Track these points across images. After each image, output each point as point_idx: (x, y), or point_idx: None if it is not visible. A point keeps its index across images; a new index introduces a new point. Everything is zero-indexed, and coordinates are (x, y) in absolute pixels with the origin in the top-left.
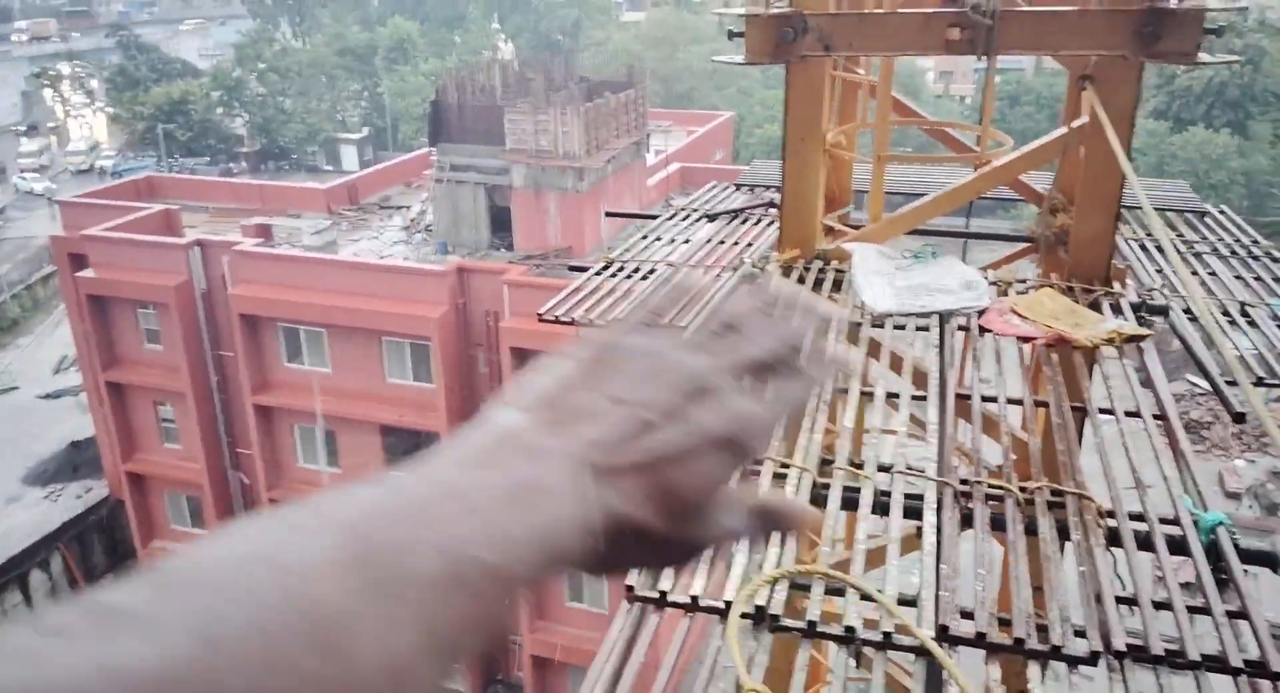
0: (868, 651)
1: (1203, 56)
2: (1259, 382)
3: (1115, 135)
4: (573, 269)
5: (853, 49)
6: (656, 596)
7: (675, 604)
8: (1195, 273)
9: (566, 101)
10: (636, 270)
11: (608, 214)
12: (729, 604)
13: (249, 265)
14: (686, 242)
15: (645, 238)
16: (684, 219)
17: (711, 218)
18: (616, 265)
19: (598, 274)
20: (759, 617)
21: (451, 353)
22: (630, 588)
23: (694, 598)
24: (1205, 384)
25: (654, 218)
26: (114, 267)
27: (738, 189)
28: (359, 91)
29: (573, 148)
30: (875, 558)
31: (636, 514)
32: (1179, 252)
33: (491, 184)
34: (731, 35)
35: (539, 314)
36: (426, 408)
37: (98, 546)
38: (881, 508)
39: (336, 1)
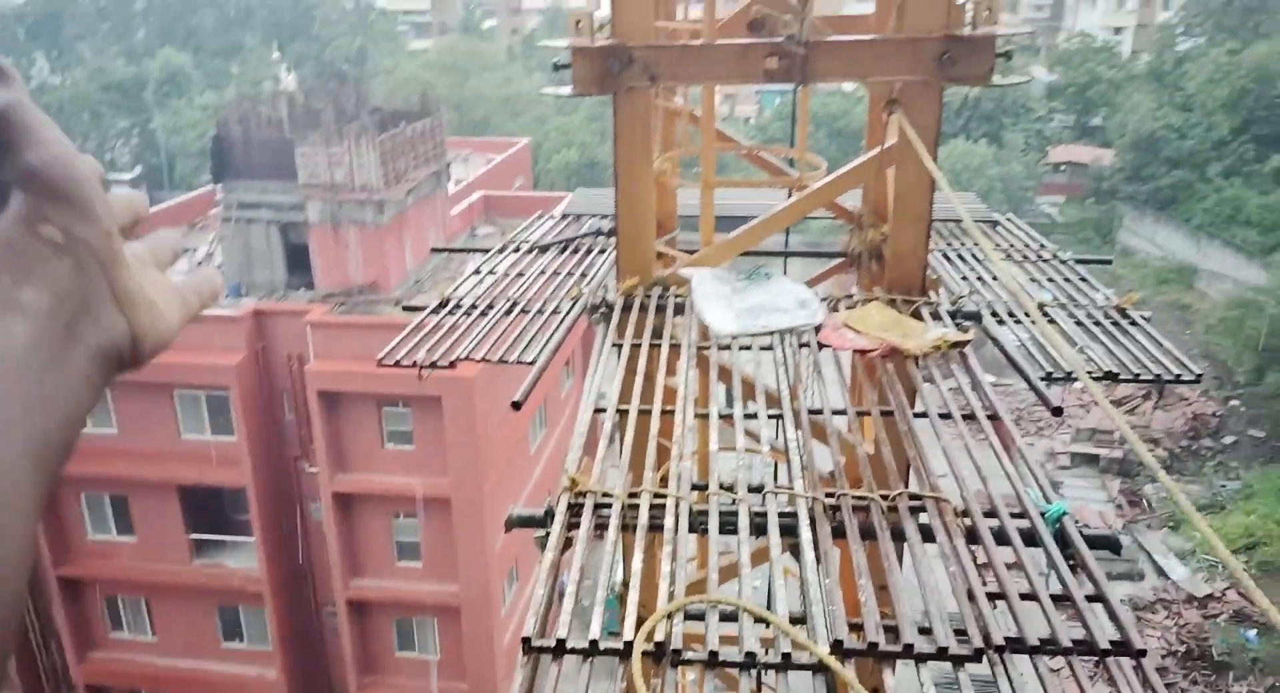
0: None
1: (996, 78)
2: (1047, 377)
3: (925, 153)
4: (407, 309)
5: (677, 79)
6: (554, 644)
7: (575, 651)
8: (995, 278)
9: (360, 132)
10: (475, 307)
11: (434, 249)
12: (629, 644)
13: None
14: (521, 275)
15: (478, 273)
16: (514, 251)
17: (543, 249)
18: (453, 303)
19: (434, 312)
20: (660, 653)
21: (253, 402)
22: (526, 640)
23: (593, 643)
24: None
25: (484, 251)
26: None
27: (563, 218)
28: (128, 128)
29: (370, 180)
30: (728, 576)
31: None
32: (1018, 261)
33: (285, 221)
34: (557, 67)
35: (378, 360)
36: (228, 463)
37: None
38: (758, 528)
39: (98, 34)
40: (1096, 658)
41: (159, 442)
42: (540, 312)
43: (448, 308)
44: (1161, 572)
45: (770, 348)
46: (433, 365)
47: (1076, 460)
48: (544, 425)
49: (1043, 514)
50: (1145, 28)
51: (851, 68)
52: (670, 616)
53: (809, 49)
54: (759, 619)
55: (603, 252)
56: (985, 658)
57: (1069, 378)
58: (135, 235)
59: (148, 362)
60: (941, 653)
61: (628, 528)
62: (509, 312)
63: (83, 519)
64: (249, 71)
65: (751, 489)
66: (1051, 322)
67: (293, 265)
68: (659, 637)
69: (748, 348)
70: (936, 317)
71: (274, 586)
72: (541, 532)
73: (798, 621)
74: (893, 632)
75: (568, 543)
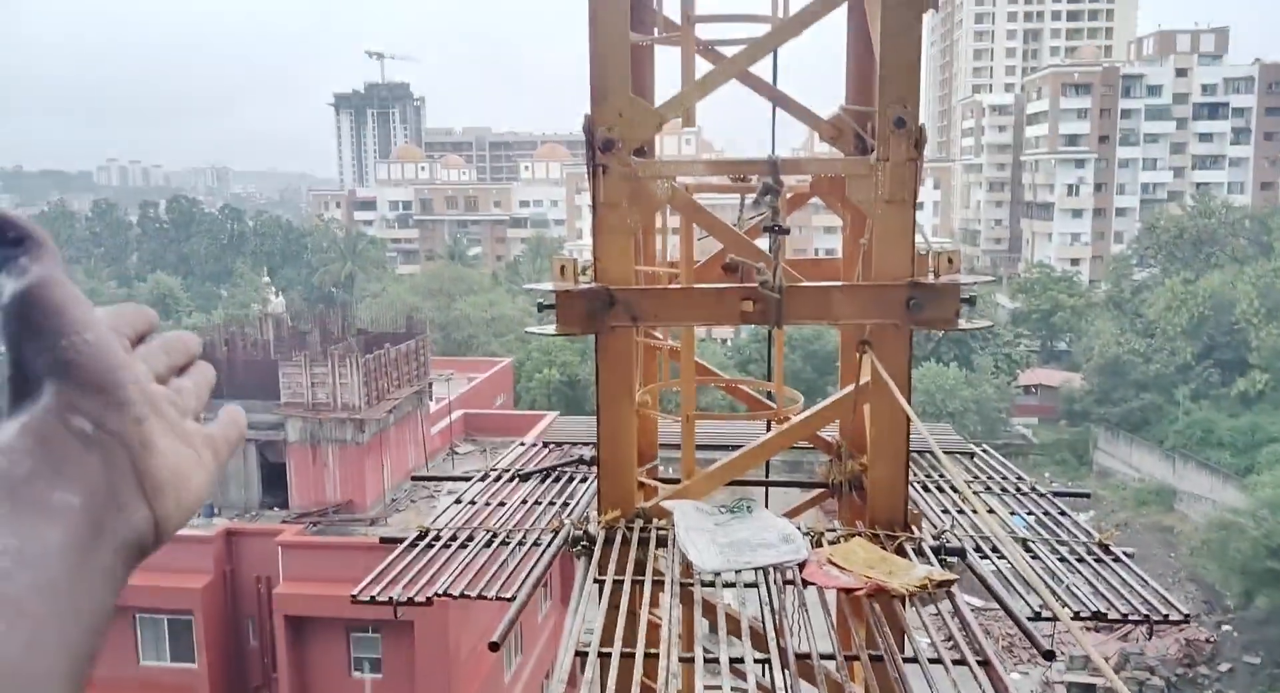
0: None
1: (961, 322)
2: (1036, 616)
3: (899, 393)
4: (385, 541)
5: (658, 320)
6: None
7: None
8: (975, 510)
9: (345, 353)
10: (454, 539)
11: (414, 478)
12: None
13: None
14: (502, 504)
15: (458, 501)
16: (495, 479)
17: (524, 478)
18: (432, 534)
19: (412, 545)
20: None
21: (217, 626)
22: None
23: None
24: (977, 602)
25: (465, 480)
26: None
27: (544, 446)
28: None
29: (352, 399)
30: None
31: None
32: (996, 493)
33: (264, 440)
34: (541, 308)
35: (352, 597)
36: None
37: None
38: None
39: (91, 258)
40: None
41: (115, 669)
42: (521, 543)
43: (426, 540)
44: None
45: (755, 585)
46: (409, 602)
47: (1073, 691)
48: (519, 653)
49: None
50: (1100, 259)
51: (823, 311)
52: None
53: (782, 294)
54: None
55: (584, 480)
56: None
57: (1056, 618)
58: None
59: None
60: None
61: None
62: (488, 543)
63: None
64: (238, 295)
65: None
66: (1035, 557)
67: (268, 485)
68: None
69: (732, 585)
70: (920, 553)
71: None
72: None
73: None
74: None
75: None
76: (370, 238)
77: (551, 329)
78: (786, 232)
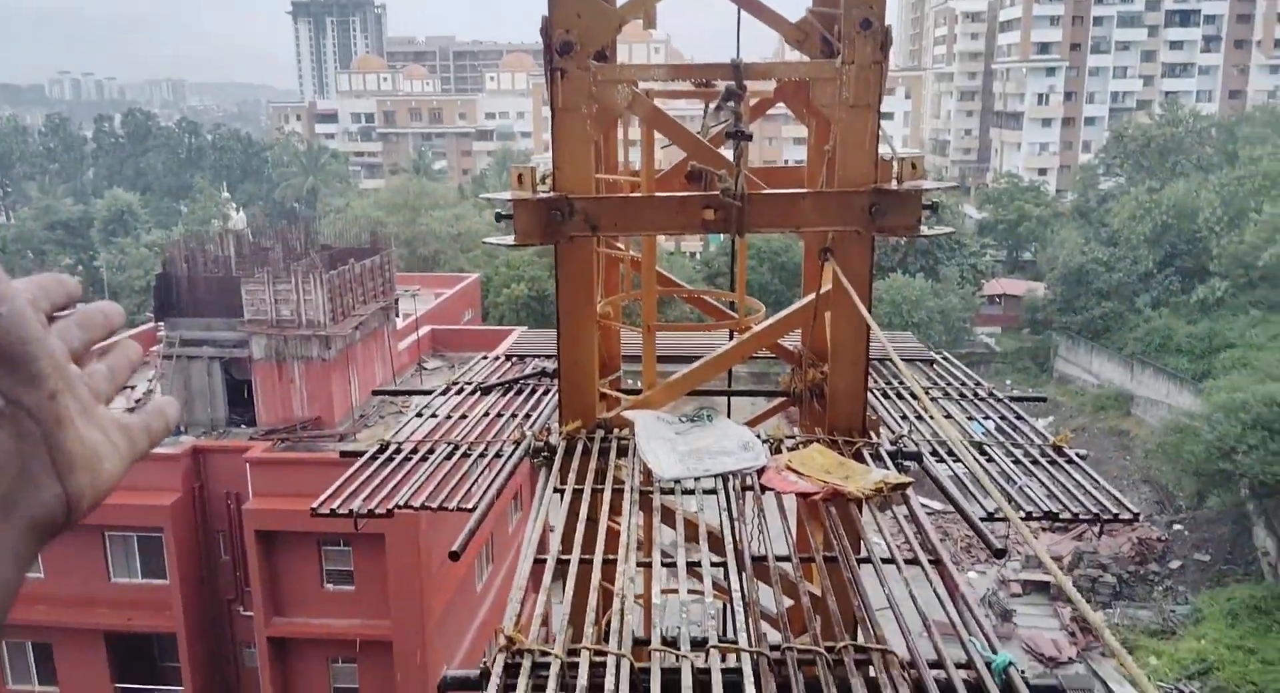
0: None
1: (923, 229)
2: (989, 517)
3: (859, 300)
4: (346, 454)
5: (618, 230)
6: None
7: None
8: (932, 417)
9: (308, 269)
10: (415, 452)
11: (375, 392)
12: None
13: None
14: (464, 417)
15: (420, 415)
16: (457, 393)
17: (486, 390)
18: (393, 447)
19: (374, 458)
20: None
21: (187, 543)
22: None
23: None
24: (936, 506)
25: (427, 393)
26: None
27: (508, 359)
28: (72, 266)
29: (317, 316)
30: None
31: None
32: (955, 399)
33: (229, 357)
34: (499, 217)
35: (311, 510)
36: (159, 608)
37: None
38: (702, 686)
39: (46, 174)
40: None
41: (87, 586)
42: (482, 455)
43: (387, 453)
44: None
45: (714, 491)
46: (369, 514)
47: (1028, 588)
48: (490, 562)
49: (988, 664)
50: (1068, 168)
51: (786, 219)
52: None
53: (744, 201)
54: None
55: (547, 392)
56: None
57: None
58: (95, 348)
59: (82, 521)
60: None
61: (567, 690)
62: (450, 456)
63: (3, 668)
64: (198, 211)
65: (695, 643)
66: (991, 460)
67: (234, 402)
68: None
69: (691, 492)
70: (878, 457)
71: None
72: None
73: None
74: None
75: None
76: (332, 152)
77: (510, 240)
78: (749, 138)
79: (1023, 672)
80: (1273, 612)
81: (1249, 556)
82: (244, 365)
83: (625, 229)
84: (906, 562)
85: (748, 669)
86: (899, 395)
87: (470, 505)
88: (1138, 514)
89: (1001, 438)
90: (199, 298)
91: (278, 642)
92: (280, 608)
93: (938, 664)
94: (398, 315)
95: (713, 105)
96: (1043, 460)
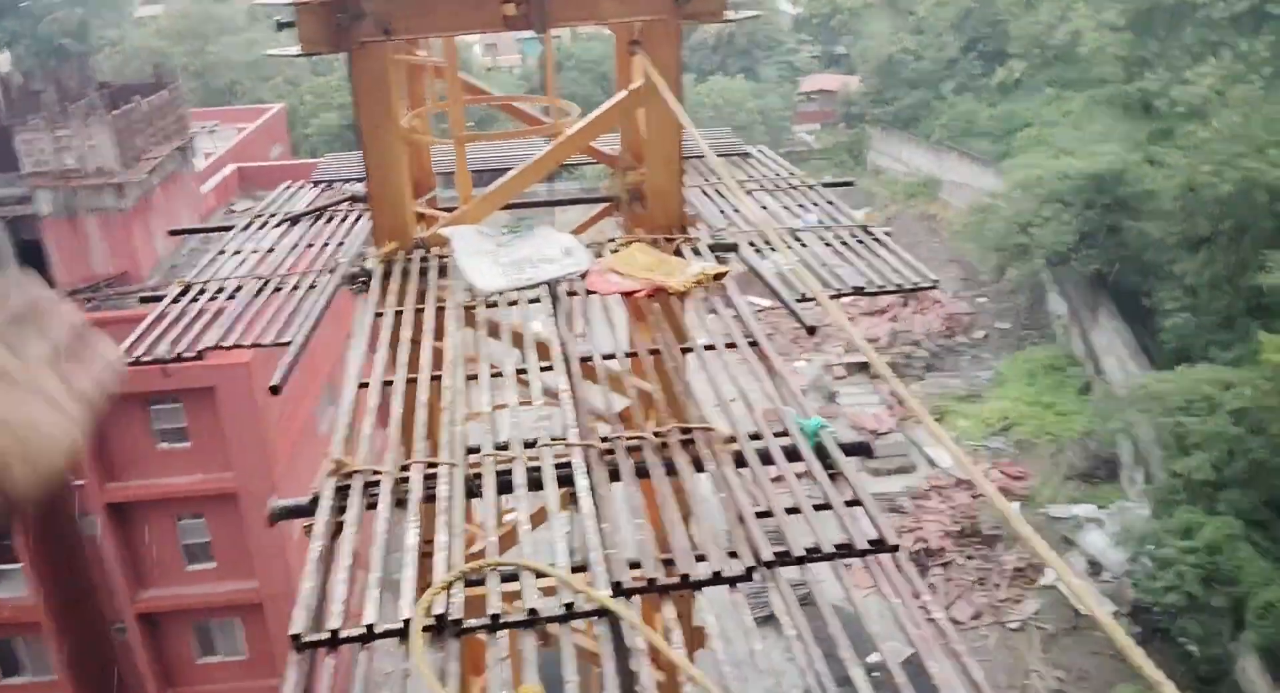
0: (552, 628)
1: (728, 14)
2: (802, 298)
3: (669, 93)
4: (145, 300)
5: (412, 31)
6: (327, 636)
7: (350, 639)
8: (745, 206)
9: (89, 111)
10: (220, 291)
11: (171, 232)
12: (408, 622)
13: None
14: (271, 250)
15: (223, 253)
16: (261, 226)
17: (293, 221)
18: (197, 288)
19: (175, 301)
20: (441, 626)
21: None
22: (296, 637)
23: (369, 627)
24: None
25: (227, 230)
26: None
27: (315, 186)
28: None
29: (106, 162)
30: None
31: None
32: (770, 191)
33: (12, 216)
34: (281, 26)
35: None
36: None
37: None
38: (535, 483)
39: None
40: (857, 557)
41: None
42: (295, 288)
43: (190, 295)
44: (932, 462)
45: (538, 300)
46: (178, 358)
47: (852, 369)
48: (333, 403)
49: (801, 430)
50: None
51: (589, 11)
52: (449, 586)
53: None
54: (540, 574)
55: (360, 217)
56: (758, 574)
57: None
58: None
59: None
60: (716, 577)
61: (401, 504)
62: (260, 292)
63: None
64: None
65: (526, 445)
66: (804, 245)
67: (25, 263)
68: (439, 610)
69: (515, 303)
70: (697, 252)
71: (51, 611)
72: (310, 520)
73: (580, 569)
74: (672, 564)
75: (338, 528)
76: None
77: (295, 50)
78: None
79: (834, 433)
80: (1064, 368)
81: (1044, 321)
82: (32, 224)
83: (421, 30)
84: (727, 346)
85: (578, 461)
86: (719, 193)
87: (286, 340)
88: (936, 282)
89: (815, 226)
90: None
91: (116, 507)
92: (114, 474)
93: (757, 437)
94: (198, 156)
95: None
96: (853, 243)
